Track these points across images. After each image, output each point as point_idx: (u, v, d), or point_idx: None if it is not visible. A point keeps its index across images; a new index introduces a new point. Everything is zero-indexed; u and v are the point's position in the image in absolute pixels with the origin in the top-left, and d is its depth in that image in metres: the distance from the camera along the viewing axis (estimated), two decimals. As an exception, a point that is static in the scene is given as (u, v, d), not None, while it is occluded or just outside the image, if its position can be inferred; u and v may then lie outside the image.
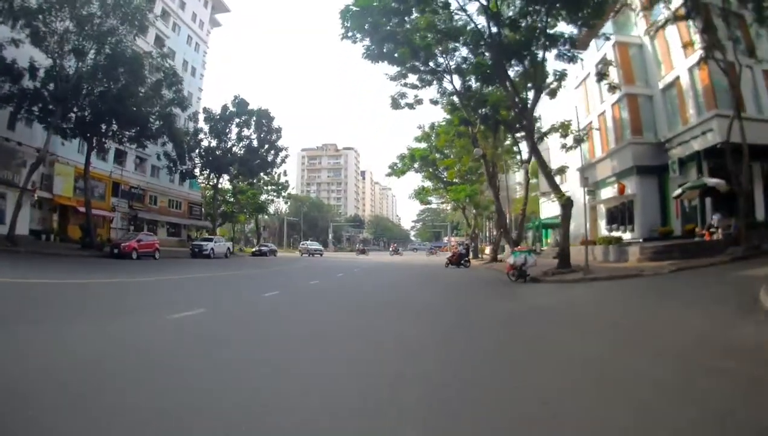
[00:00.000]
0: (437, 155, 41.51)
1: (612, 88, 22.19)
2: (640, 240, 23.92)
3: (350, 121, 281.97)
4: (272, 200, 57.37)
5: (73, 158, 34.62)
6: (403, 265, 33.79)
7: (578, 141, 26.17)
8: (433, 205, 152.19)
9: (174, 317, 7.19)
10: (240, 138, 42.92)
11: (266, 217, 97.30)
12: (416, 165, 42.35)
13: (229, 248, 37.61)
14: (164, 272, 18.63)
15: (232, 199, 50.50)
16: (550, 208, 43.80)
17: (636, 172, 27.81)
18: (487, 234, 55.93)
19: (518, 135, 26.74)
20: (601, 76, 21.17)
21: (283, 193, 56.32)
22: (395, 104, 25.97)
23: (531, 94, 21.58)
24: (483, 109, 24.91)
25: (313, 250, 55.65)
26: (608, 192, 31.31)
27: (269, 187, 54.62)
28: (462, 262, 28.35)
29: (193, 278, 17.13)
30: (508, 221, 37.49)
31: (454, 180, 40.34)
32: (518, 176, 41.72)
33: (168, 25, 47.97)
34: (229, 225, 54.96)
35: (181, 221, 47.71)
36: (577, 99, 35.22)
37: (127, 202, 40.96)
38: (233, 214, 50.84)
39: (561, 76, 21.71)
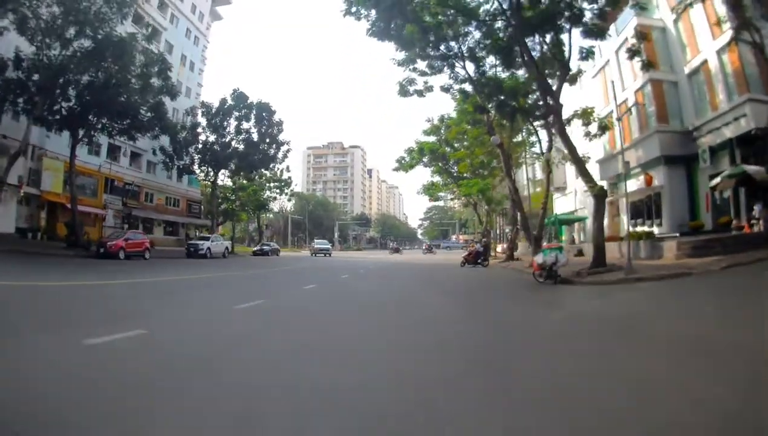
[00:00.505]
0: (447, 149, 39.39)
1: (645, 65, 19.96)
2: (677, 235, 21.90)
3: (356, 120, 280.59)
4: (275, 198, 55.26)
5: (63, 153, 32.81)
6: (414, 264, 31.76)
7: (603, 128, 23.94)
8: (441, 203, 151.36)
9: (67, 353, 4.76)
10: (239, 132, 40.70)
11: (270, 215, 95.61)
12: (425, 159, 40.15)
13: (227, 248, 35.66)
14: (138, 274, 16.58)
15: (232, 197, 48.47)
16: (563, 204, 41.52)
17: (663, 163, 26.11)
18: (498, 232, 53.65)
19: (537, 124, 24.42)
20: (633, 53, 18.91)
21: (286, 191, 54.07)
22: (403, 91, 23.87)
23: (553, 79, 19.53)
24: (499, 96, 22.80)
25: (318, 249, 52.78)
26: (632, 184, 29.13)
27: (272, 184, 52.50)
28: (479, 261, 26.16)
29: (163, 281, 14.93)
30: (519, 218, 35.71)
31: (465, 174, 38.14)
32: (530, 172, 39.45)
33: (165, 17, 46.11)
34: (229, 223, 52.71)
35: (179, 219, 45.77)
36: (595, 89, 33.12)
37: (121, 200, 39.13)
38: (233, 211, 48.70)
39: (588, 52, 19.45)
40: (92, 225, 35.87)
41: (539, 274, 14.50)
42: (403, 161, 41.64)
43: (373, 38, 19.94)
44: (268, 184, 51.99)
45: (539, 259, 14.34)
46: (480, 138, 29.14)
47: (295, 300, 10.85)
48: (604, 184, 25.49)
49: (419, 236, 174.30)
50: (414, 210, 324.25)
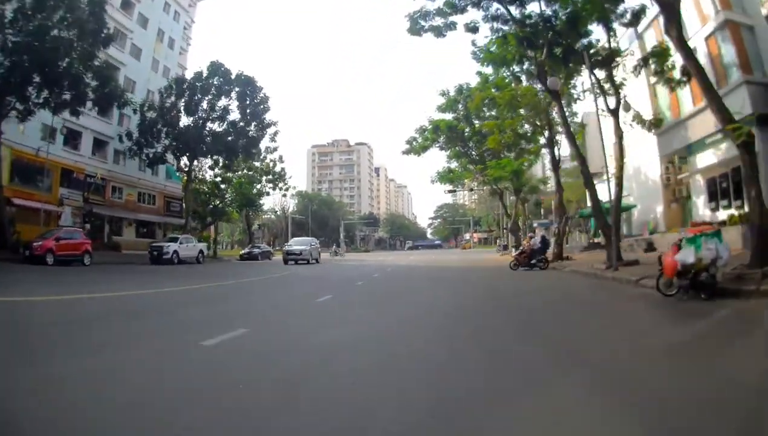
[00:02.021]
0: (467, 130, 32.68)
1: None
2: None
3: (363, 117, 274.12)
4: (267, 193, 48.33)
5: (16, 140, 27.08)
6: (440, 267, 25.22)
7: (688, 74, 17.26)
8: (451, 201, 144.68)
9: None
10: (213, 108, 33.71)
11: (272, 216, 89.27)
12: (441, 139, 33.29)
13: (202, 251, 29.31)
14: (35, 289, 11.37)
15: (216, 192, 41.63)
16: (601, 193, 34.62)
17: (756, 124, 19.25)
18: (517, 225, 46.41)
19: (600, 74, 17.37)
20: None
21: (280, 185, 47.04)
22: (414, 27, 17.21)
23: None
24: (549, 34, 16.37)
25: (290, 254, 31.79)
26: (707, 157, 22.45)
27: (263, 178, 45.60)
28: (535, 261, 19.28)
29: (68, 302, 9.22)
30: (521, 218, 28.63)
31: (491, 156, 31.21)
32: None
33: (138, -15, 40.07)
34: (208, 224, 45.27)
35: (154, 218, 39.19)
36: (650, 41, 26.53)
37: (82, 194, 33.06)
38: (216, 208, 41.62)
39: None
40: (45, 224, 29.78)
41: (668, 283, 8.04)
42: (414, 143, 34.52)
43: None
44: (258, 177, 45.04)
45: (680, 256, 7.71)
46: (513, 103, 22.40)
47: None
48: (647, 166, 18.82)
49: (429, 236, 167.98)
50: (423, 209, 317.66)
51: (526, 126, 27.25)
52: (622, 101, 16.93)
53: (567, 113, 23.90)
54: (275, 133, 35.84)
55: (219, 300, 10.45)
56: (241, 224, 59.35)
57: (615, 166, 16.31)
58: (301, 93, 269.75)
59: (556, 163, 22.08)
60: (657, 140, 25.60)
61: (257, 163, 43.64)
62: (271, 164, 44.57)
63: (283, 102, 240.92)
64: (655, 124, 19.36)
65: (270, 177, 45.35)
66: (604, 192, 33.42)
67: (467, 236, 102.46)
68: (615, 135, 16.13)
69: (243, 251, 40.57)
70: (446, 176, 35.62)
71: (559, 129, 22.14)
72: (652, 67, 17.94)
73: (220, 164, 37.50)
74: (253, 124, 34.16)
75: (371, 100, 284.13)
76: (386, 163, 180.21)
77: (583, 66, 17.10)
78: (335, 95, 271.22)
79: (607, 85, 17.23)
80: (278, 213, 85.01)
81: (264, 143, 38.67)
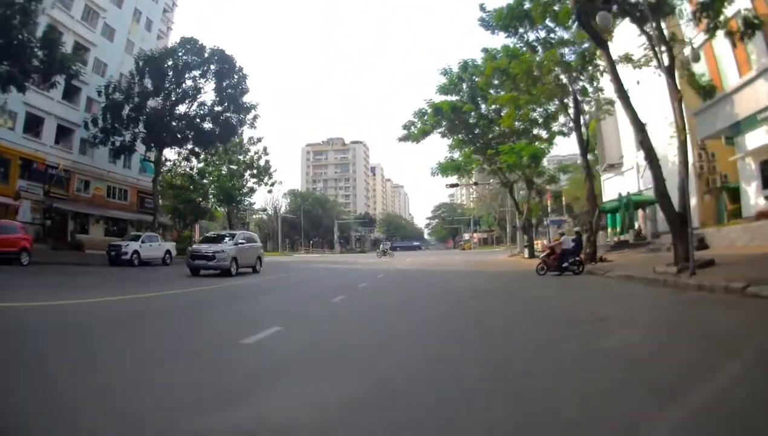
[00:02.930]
0: (473, 113, 29.07)
1: None
2: None
3: (358, 116, 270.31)
4: (252, 189, 44.28)
5: None
6: (445, 272, 21.22)
7: (753, 25, 13.95)
8: (450, 201, 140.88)
9: None
10: (178, 82, 29.40)
11: (264, 216, 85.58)
12: (444, 125, 29.47)
13: (169, 252, 25.72)
14: None
15: (188, 185, 37.78)
16: (617, 186, 31.34)
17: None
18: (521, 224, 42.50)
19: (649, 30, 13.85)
20: None
21: (266, 181, 43.04)
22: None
23: None
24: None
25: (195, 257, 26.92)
26: (759, 136, 19.06)
27: (246, 172, 41.68)
28: (568, 265, 15.47)
29: None
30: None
31: (499, 149, 27.62)
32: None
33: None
34: (189, 223, 41.01)
35: (126, 215, 35.30)
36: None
37: (42, 187, 29.50)
38: (195, 204, 37.30)
39: None
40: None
41: None
42: (411, 129, 30.24)
43: None
44: (240, 171, 41.12)
45: None
46: (531, 74, 18.96)
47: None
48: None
49: (426, 237, 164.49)
50: (420, 210, 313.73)
51: (539, 110, 23.90)
52: (684, 52, 13.56)
53: (591, 90, 20.59)
54: (255, 118, 31.82)
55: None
56: (217, 221, 55.24)
57: (678, 136, 12.88)
58: (295, 90, 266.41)
59: (584, 145, 18.59)
60: (697, 121, 22.13)
61: (240, 157, 39.96)
62: (255, 157, 40.83)
63: (276, 100, 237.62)
64: (709, 91, 15.98)
65: (254, 171, 41.51)
66: (623, 186, 30.35)
67: (466, 236, 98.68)
68: (672, 99, 12.69)
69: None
70: (450, 165, 31.46)
71: (586, 106, 18.76)
72: (704, 21, 14.58)
73: (197, 155, 33.72)
74: (231, 107, 30.03)
75: (366, 96, 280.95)
76: (382, 163, 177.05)
77: (627, 17, 13.69)
78: (329, 92, 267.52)
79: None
80: (269, 212, 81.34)
81: (245, 132, 34.96)
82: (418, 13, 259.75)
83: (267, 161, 42.05)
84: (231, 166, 40.09)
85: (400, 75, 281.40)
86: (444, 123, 29.04)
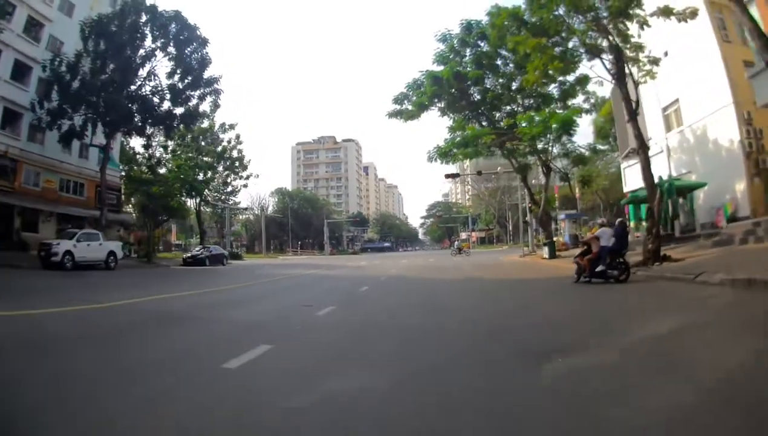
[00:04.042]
0: (479, 88, 25.06)
1: None
2: None
3: (350, 114, 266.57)
4: (235, 189, 40.06)
5: None
6: (453, 281, 15.45)
7: None
8: (443, 200, 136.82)
9: None
10: (130, 54, 24.68)
11: (251, 217, 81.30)
12: (443, 99, 25.31)
13: (113, 253, 21.74)
14: None
15: (145, 176, 33.36)
16: (637, 176, 27.49)
17: None
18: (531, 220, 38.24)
19: None
20: None
21: (241, 173, 38.69)
22: None
23: None
24: None
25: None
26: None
27: (216, 162, 37.31)
28: (605, 268, 10.98)
29: None
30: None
31: (517, 119, 23.51)
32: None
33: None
34: (160, 222, 36.47)
35: (83, 212, 30.67)
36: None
37: (-21, 180, 25.34)
38: (157, 199, 32.69)
39: None
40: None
41: None
42: (405, 103, 25.53)
43: None
44: (211, 162, 36.69)
45: None
46: (560, 19, 15.12)
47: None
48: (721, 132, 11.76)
49: (421, 237, 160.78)
50: (414, 211, 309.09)
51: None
52: None
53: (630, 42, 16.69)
54: (218, 96, 27.18)
55: None
56: (187, 218, 50.68)
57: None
58: (285, 88, 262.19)
59: (632, 108, 14.56)
60: (753, 86, 18.14)
61: (212, 147, 35.66)
62: (228, 146, 36.56)
63: (265, 98, 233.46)
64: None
65: (227, 163, 37.27)
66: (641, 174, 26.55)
67: (464, 235, 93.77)
68: (751, 34, 8.85)
69: (187, 255, 32.81)
70: (455, 144, 25.73)
71: (630, 52, 14.88)
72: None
73: (152, 137, 29.39)
74: (191, 80, 25.51)
75: (357, 94, 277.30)
76: (375, 163, 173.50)
77: None
78: (319, 91, 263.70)
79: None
80: (256, 212, 77.16)
81: (216, 118, 30.71)
82: (411, 6, 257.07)
83: (240, 151, 37.77)
84: (201, 157, 35.65)
85: (394, 73, 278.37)
86: (445, 97, 24.93)
